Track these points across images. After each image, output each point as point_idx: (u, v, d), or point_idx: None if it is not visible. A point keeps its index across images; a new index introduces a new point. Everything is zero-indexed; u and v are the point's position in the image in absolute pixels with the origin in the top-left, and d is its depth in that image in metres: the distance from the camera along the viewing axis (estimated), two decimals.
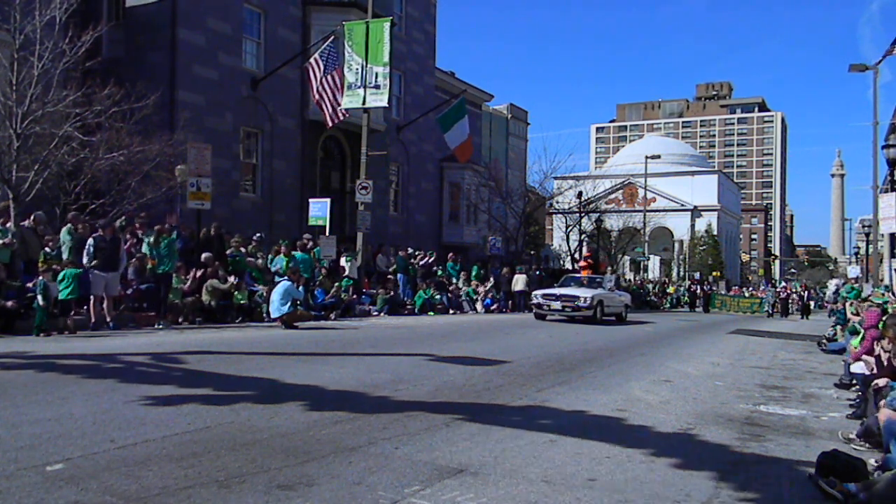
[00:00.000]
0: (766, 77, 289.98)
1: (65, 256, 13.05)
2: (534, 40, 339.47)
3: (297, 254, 17.95)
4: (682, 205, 76.91)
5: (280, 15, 24.65)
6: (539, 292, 20.65)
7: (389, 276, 21.57)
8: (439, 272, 24.77)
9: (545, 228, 51.81)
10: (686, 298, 44.41)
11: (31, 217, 13.60)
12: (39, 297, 11.15)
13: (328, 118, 21.78)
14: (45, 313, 11.24)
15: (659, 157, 58.32)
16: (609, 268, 34.67)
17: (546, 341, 13.71)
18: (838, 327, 18.18)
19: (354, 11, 24.65)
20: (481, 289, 24.95)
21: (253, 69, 23.69)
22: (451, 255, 27.22)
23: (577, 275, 24.67)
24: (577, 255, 38.38)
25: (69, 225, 13.65)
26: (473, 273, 26.23)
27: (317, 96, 21.63)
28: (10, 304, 11.37)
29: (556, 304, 19.36)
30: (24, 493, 3.79)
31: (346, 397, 6.95)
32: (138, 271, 14.29)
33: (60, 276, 11.86)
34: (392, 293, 20.51)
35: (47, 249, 12.64)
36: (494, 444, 5.41)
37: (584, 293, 19.39)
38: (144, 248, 14.09)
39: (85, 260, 12.27)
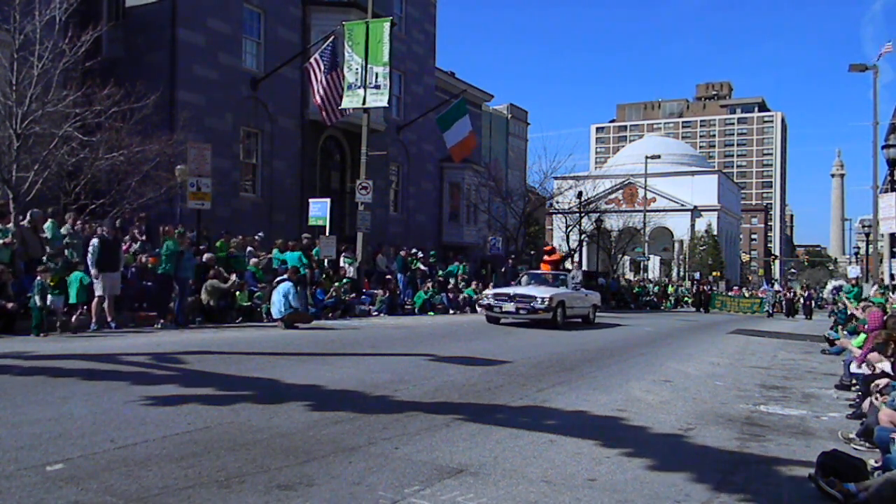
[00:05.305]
0: (766, 77, 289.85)
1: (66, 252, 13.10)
2: (534, 40, 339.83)
3: (288, 254, 17.97)
4: (682, 205, 76.89)
5: (280, 15, 24.65)
6: (490, 292, 18.35)
7: (389, 277, 21.57)
8: (439, 272, 24.78)
9: (545, 228, 51.72)
10: (687, 298, 44.35)
11: (28, 214, 13.54)
12: (37, 298, 11.15)
13: (326, 117, 21.83)
14: (43, 314, 11.24)
15: (659, 157, 58.32)
16: (575, 263, 33.17)
17: (545, 341, 13.71)
18: (839, 327, 18.14)
19: (354, 11, 24.64)
20: (486, 290, 24.87)
21: (253, 69, 23.68)
22: (457, 257, 27.15)
23: (538, 271, 21.46)
24: (575, 255, 38.24)
25: (67, 225, 13.69)
26: (460, 269, 25.81)
27: (317, 97, 21.66)
28: (10, 305, 11.37)
29: (510, 306, 16.61)
30: (24, 493, 3.79)
31: (346, 397, 6.95)
32: (139, 271, 14.32)
33: (69, 280, 11.96)
34: (392, 293, 20.51)
35: (48, 260, 12.59)
36: (494, 444, 5.41)
37: (542, 292, 16.73)
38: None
39: (89, 260, 12.31)
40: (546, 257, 22.86)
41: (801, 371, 11.72)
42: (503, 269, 27.50)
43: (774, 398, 8.63)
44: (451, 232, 35.05)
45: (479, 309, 23.26)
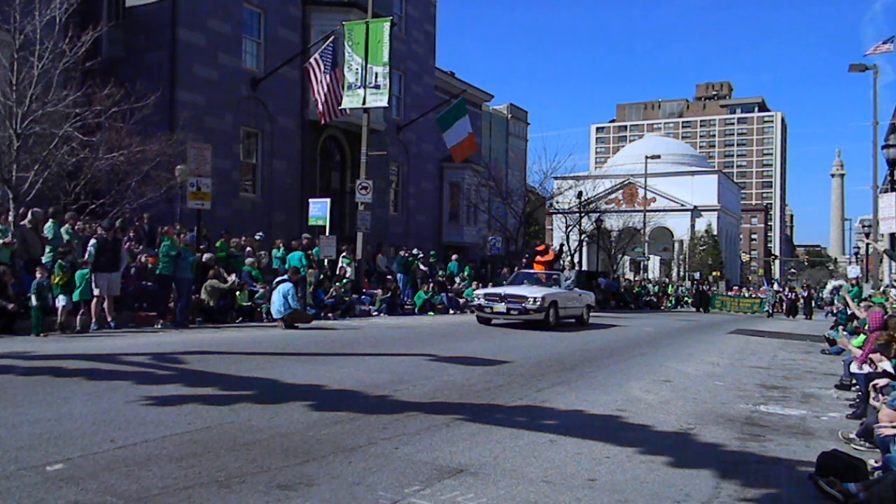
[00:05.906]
0: (766, 77, 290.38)
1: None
2: (534, 40, 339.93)
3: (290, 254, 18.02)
4: (682, 205, 76.82)
5: (280, 15, 24.65)
6: (481, 292, 17.85)
7: (389, 277, 21.58)
8: (440, 272, 24.78)
9: (545, 228, 51.72)
10: (687, 298, 44.30)
11: (29, 213, 13.53)
12: (34, 297, 11.15)
13: (323, 115, 21.86)
14: (41, 314, 11.24)
15: (659, 157, 58.32)
16: (568, 262, 32.54)
17: (546, 341, 13.71)
18: (839, 327, 18.10)
19: (354, 11, 24.65)
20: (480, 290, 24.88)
21: (253, 69, 23.69)
22: (454, 255, 27.20)
23: (531, 271, 20.62)
24: (574, 255, 38.21)
25: (67, 225, 13.68)
26: (466, 270, 25.96)
27: (318, 96, 21.66)
28: (10, 306, 11.35)
29: (501, 306, 16.14)
30: (24, 493, 3.79)
31: (346, 397, 6.95)
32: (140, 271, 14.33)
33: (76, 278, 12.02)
34: (392, 293, 20.51)
35: (57, 260, 12.52)
36: (494, 444, 5.41)
37: (535, 293, 16.24)
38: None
39: (86, 258, 12.31)
40: (539, 257, 22.05)
41: (801, 371, 11.73)
42: (513, 268, 27.45)
43: (774, 398, 8.63)
44: (451, 232, 35.08)
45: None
